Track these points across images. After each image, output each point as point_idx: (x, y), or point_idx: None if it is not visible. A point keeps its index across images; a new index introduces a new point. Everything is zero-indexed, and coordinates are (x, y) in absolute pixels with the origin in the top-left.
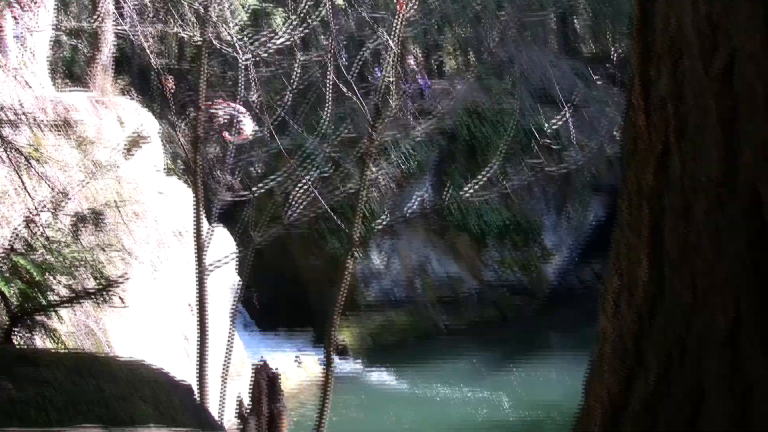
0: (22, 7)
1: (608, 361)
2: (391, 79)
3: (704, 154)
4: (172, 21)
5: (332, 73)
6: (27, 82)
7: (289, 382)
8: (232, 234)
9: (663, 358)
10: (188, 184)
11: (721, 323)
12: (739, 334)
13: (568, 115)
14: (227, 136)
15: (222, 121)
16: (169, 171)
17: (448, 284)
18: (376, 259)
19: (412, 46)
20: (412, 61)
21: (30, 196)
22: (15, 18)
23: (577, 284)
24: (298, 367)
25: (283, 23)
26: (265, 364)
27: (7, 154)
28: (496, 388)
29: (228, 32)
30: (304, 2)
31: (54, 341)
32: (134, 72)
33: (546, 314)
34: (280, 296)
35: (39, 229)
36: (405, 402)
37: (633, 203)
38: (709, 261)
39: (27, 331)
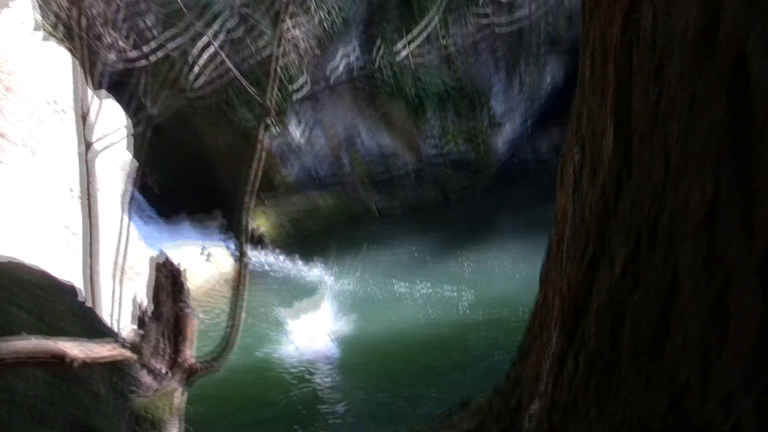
0: None
1: (568, 248)
2: None
3: (680, 4)
4: None
5: None
6: None
7: (196, 280)
8: (123, 107)
9: (631, 243)
10: (69, 49)
11: (698, 202)
12: (717, 214)
13: None
14: None
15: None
16: (45, 33)
17: (380, 160)
18: (296, 133)
19: None
20: None
21: None
22: None
23: (531, 159)
24: (206, 262)
25: None
26: (167, 259)
27: None
28: (442, 281)
29: None
30: None
31: None
32: None
33: (496, 194)
34: (183, 179)
35: None
36: (335, 299)
37: (596, 63)
38: (683, 130)
39: None
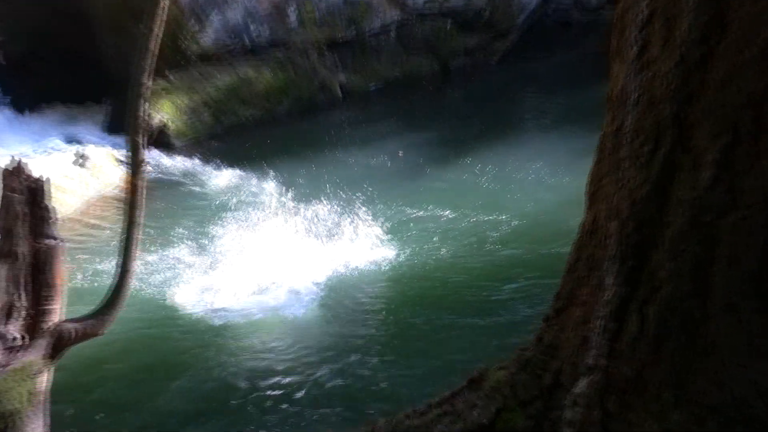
0: None
1: (629, 145)
2: None
3: None
4: None
5: None
6: None
7: (68, 198)
8: None
9: (725, 136)
10: None
11: None
12: None
13: None
14: None
15: None
16: None
17: (344, 15)
18: None
19: None
20: None
21: None
22: None
23: (572, 10)
24: (82, 170)
25: None
26: (21, 168)
27: None
28: (448, 199)
29: None
30: None
31: None
32: None
33: (520, 63)
34: (45, 46)
35: None
36: (282, 228)
37: None
38: None
39: None
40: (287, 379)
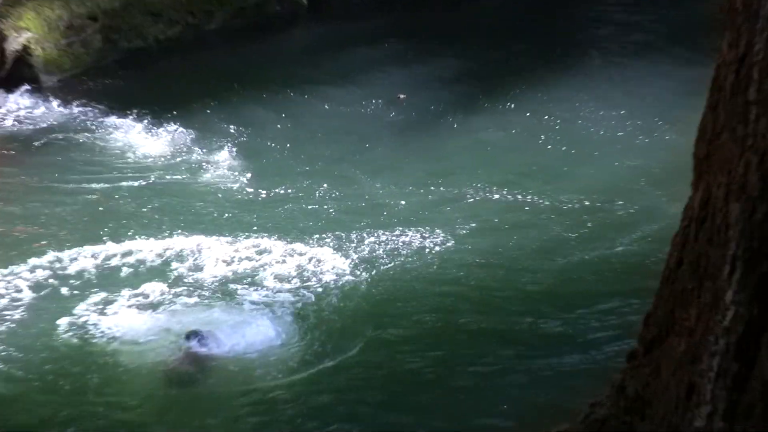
0: None
1: (759, 83)
2: None
3: None
4: None
5: None
6: None
7: None
8: None
9: None
10: None
11: None
12: None
13: None
14: None
15: None
16: None
17: None
18: None
19: None
20: None
21: None
22: None
23: None
24: None
25: None
26: None
27: None
28: (474, 164)
29: None
30: None
31: None
32: None
33: None
34: None
35: None
36: (218, 215)
37: None
38: None
39: None
40: None
